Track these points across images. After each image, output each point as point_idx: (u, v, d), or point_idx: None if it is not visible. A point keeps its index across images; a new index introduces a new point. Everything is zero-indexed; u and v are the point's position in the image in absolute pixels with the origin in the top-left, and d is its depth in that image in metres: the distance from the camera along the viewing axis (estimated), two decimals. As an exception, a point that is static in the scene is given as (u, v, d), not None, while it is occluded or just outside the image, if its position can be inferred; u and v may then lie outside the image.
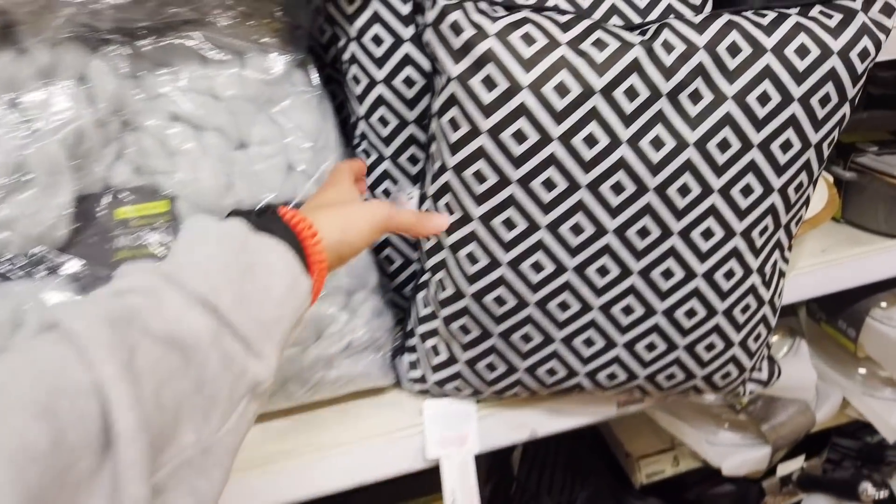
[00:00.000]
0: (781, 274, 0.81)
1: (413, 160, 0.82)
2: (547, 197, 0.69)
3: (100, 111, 0.70)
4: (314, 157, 0.78)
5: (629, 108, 0.67)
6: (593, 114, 0.67)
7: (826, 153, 0.74)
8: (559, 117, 0.66)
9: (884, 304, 1.24)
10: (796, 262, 1.11)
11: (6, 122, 0.66)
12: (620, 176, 0.69)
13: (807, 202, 0.77)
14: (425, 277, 0.78)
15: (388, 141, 0.81)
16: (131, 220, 0.72)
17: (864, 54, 0.69)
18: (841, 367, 1.33)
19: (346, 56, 0.80)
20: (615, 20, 0.75)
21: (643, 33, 0.69)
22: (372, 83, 0.79)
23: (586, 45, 0.66)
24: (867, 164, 1.13)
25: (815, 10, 0.71)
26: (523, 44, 0.65)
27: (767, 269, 0.77)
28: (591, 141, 0.67)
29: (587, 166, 0.68)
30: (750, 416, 1.21)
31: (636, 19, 0.75)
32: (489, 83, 0.66)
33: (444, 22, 0.65)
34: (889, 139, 1.17)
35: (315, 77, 0.81)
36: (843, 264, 1.14)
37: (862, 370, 1.31)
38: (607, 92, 0.66)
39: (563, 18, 0.67)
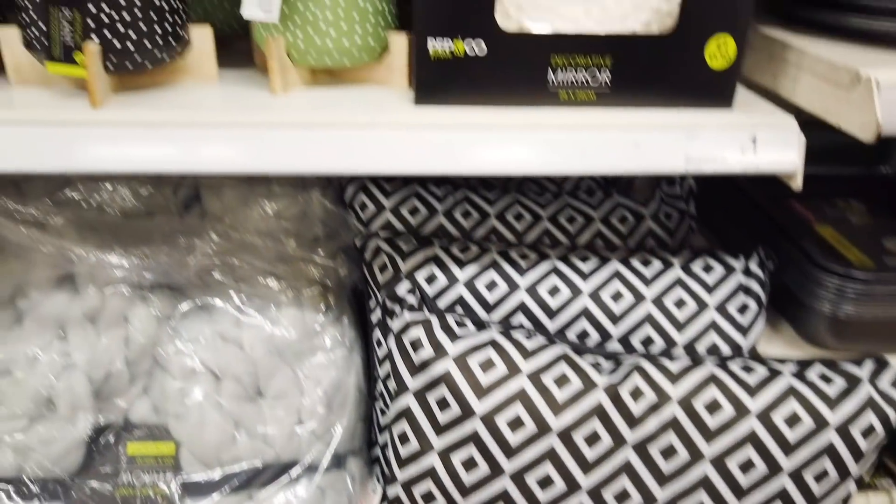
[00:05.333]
0: None
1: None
2: None
3: (133, 352, 0.78)
4: (327, 417, 0.79)
5: (590, 454, 0.63)
6: (549, 455, 0.63)
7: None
8: (511, 453, 0.64)
9: None
10: None
11: (48, 354, 0.76)
12: None
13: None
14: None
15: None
16: (139, 458, 0.78)
17: (868, 431, 0.61)
18: None
19: (374, 318, 0.82)
20: (584, 326, 0.71)
21: (615, 369, 0.65)
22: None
23: (548, 380, 0.63)
24: None
25: (814, 372, 0.63)
26: (481, 370, 0.64)
27: None
28: (545, 482, 0.63)
29: None
30: None
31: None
32: (443, 404, 0.65)
33: (406, 335, 0.66)
34: None
35: (349, 333, 0.83)
36: None
37: None
38: (565, 433, 0.63)
39: (531, 344, 0.66)
